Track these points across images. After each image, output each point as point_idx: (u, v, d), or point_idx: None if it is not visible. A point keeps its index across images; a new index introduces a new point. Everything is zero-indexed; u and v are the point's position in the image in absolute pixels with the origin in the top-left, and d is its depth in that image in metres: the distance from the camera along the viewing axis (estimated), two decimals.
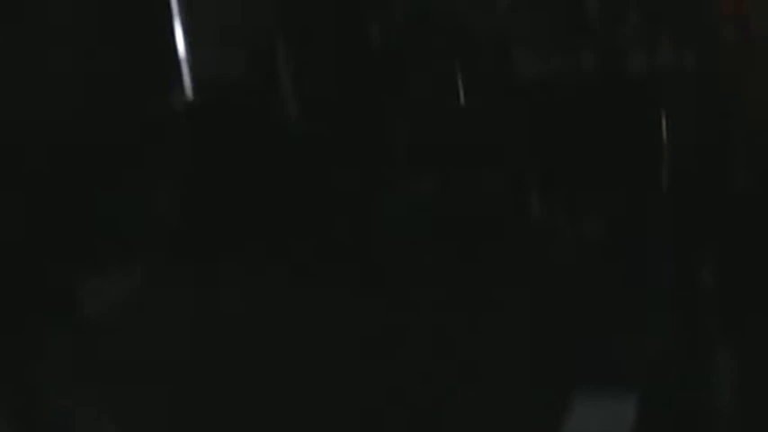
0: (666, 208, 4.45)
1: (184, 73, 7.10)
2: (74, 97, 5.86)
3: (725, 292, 3.88)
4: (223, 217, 5.52)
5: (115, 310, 4.70)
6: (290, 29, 5.02)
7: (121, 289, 4.94)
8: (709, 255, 4.12)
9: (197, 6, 7.11)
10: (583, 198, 4.65)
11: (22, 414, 3.72)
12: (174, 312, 4.69)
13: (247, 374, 4.02)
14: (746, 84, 4.44)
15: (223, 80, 6.18)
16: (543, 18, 4.65)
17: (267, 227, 5.44)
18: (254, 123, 5.71)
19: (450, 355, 3.91)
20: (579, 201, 4.65)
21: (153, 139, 5.84)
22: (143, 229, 5.44)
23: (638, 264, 4.28)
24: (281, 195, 5.50)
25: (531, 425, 3.46)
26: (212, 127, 5.75)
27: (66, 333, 4.35)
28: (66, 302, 4.54)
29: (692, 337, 3.67)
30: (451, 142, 5.30)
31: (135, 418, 3.74)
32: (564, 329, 3.92)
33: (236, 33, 6.43)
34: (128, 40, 6.42)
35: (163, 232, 5.46)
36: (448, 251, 4.83)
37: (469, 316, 4.18)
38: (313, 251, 5.20)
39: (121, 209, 5.44)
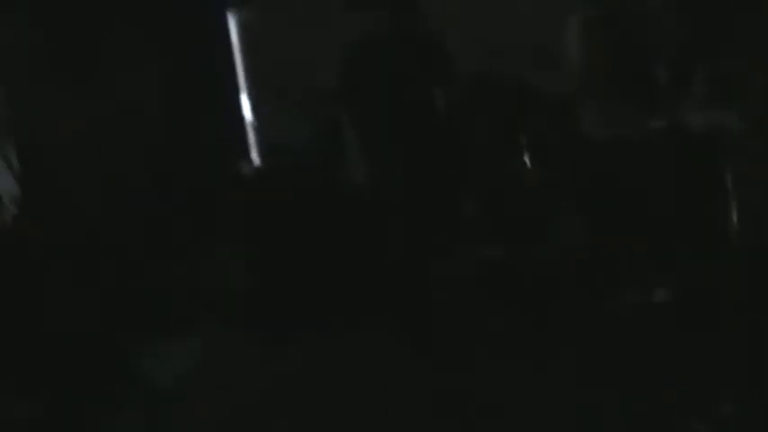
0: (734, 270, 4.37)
1: (251, 139, 7.22)
2: (145, 167, 5.99)
3: None
4: (288, 283, 5.55)
5: (181, 380, 4.74)
6: (355, 96, 5.06)
7: (189, 358, 4.99)
8: None
9: (263, 74, 7.25)
10: (651, 262, 4.59)
11: None
12: (238, 380, 4.71)
13: None
14: None
15: (289, 146, 6.27)
16: (609, 78, 4.63)
17: (332, 292, 5.46)
18: (319, 189, 5.75)
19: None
20: (648, 265, 4.59)
21: (221, 206, 5.93)
22: (209, 298, 5.50)
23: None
24: (345, 260, 5.52)
25: None
26: (279, 192, 5.81)
27: (133, 405, 4.39)
28: (134, 373, 4.59)
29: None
30: (517, 212, 5.30)
31: None
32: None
33: (302, 100, 6.54)
34: (195, 109, 6.57)
35: (229, 300, 5.51)
36: (512, 317, 4.80)
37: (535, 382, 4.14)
38: (375, 316, 5.21)
39: (187, 278, 5.51)
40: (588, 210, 4.93)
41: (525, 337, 4.59)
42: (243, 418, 4.28)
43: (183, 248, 5.70)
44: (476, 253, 5.21)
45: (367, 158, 5.05)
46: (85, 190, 5.61)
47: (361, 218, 5.44)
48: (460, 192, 5.21)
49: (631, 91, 4.54)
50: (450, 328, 4.83)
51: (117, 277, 4.98)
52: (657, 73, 4.52)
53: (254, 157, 6.98)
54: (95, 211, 5.41)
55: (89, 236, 5.09)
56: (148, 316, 5.08)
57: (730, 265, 4.47)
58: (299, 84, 6.61)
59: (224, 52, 7.17)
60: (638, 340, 4.28)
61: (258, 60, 7.32)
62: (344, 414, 4.17)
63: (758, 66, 4.23)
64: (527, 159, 5.36)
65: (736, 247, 4.52)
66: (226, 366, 4.91)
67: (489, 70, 5.54)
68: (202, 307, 5.44)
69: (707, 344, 4.11)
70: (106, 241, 5.15)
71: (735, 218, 4.51)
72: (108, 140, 5.82)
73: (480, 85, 5.65)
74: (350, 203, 5.52)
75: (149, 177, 6.13)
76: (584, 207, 4.98)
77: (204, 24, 7.01)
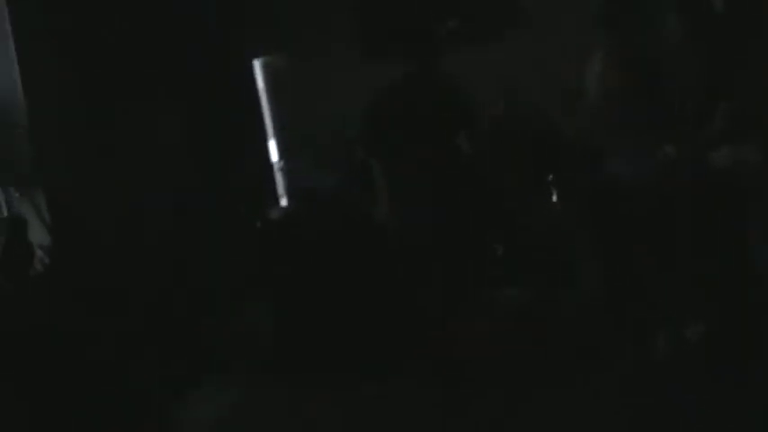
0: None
1: (279, 184, 7.30)
2: (175, 213, 6.04)
3: None
4: (318, 328, 5.55)
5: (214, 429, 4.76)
6: (381, 140, 5.11)
7: (222, 406, 5.01)
8: None
9: (290, 120, 7.34)
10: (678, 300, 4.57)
11: None
12: (270, 429, 4.72)
13: None
14: None
15: (316, 190, 6.32)
16: (630, 119, 4.64)
17: (361, 337, 5.46)
18: (347, 233, 5.78)
19: None
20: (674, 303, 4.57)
21: (250, 251, 5.97)
22: (240, 346, 5.52)
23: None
24: (374, 304, 5.52)
25: None
26: (307, 236, 5.84)
27: None
28: (167, 420, 4.61)
29: None
30: (544, 254, 5.30)
31: None
32: None
33: (329, 145, 6.60)
34: (223, 155, 6.64)
35: (260, 347, 5.52)
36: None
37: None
38: (406, 362, 5.21)
39: (219, 325, 5.53)
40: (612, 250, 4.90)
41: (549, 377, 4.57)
42: None
43: (215, 295, 5.74)
44: (503, 295, 5.21)
45: (395, 201, 5.09)
46: (116, 237, 5.66)
47: (389, 261, 5.45)
48: (487, 234, 5.23)
49: (653, 127, 4.54)
50: (479, 374, 4.81)
51: (149, 326, 5.01)
52: (679, 108, 4.52)
53: (283, 201, 7.05)
54: (126, 259, 5.46)
55: (121, 284, 5.13)
56: (182, 365, 5.10)
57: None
58: (325, 128, 6.69)
59: (251, 99, 7.28)
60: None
61: (285, 107, 7.43)
62: None
63: None
64: (554, 199, 5.39)
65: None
66: (258, 415, 4.92)
67: (514, 112, 5.58)
68: (235, 355, 5.47)
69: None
70: (138, 289, 5.18)
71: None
72: (137, 186, 5.88)
73: (505, 127, 5.71)
74: (378, 247, 5.54)
75: (179, 223, 6.19)
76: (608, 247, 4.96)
77: (233, 71, 7.13)
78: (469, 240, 5.06)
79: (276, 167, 7.26)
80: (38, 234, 5.24)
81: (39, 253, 5.07)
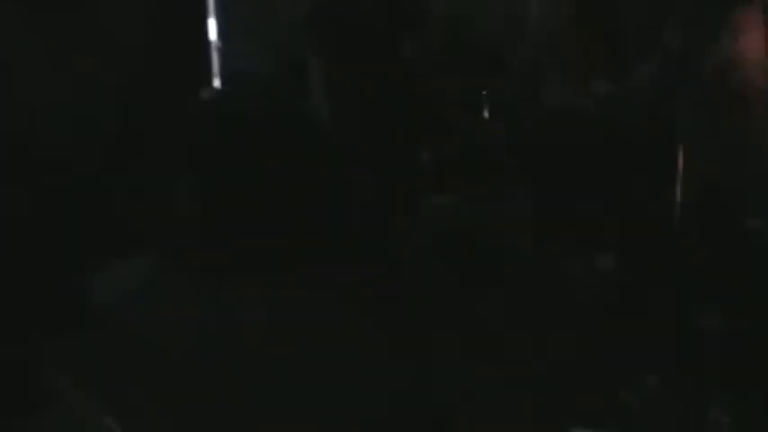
0: (675, 245, 4.46)
1: (215, 65, 7.16)
2: (106, 86, 5.92)
3: (727, 340, 3.91)
4: (240, 211, 5.56)
5: (125, 301, 4.77)
6: (326, 34, 5.05)
7: (134, 279, 5.01)
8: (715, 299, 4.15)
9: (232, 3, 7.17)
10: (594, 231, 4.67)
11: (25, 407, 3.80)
12: (183, 306, 4.75)
13: (253, 374, 4.08)
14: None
15: (253, 75, 6.24)
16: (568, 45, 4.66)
17: (283, 224, 5.49)
18: (279, 119, 5.74)
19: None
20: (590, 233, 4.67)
21: (178, 128, 5.91)
22: (160, 219, 5.50)
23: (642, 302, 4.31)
24: (301, 193, 5.54)
25: None
26: (237, 119, 5.79)
27: (76, 323, 4.42)
28: (78, 292, 4.61)
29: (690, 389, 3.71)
30: (472, 161, 5.34)
31: (137, 416, 3.82)
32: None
33: (271, 31, 6.48)
34: (162, 29, 6.49)
35: (179, 223, 5.51)
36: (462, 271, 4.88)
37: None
38: (327, 252, 5.27)
39: (140, 197, 5.50)
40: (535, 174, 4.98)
41: (469, 290, 4.68)
42: (180, 348, 4.33)
43: (138, 169, 5.68)
44: (429, 201, 5.26)
45: (328, 96, 5.06)
46: (47, 103, 5.56)
47: (318, 154, 5.45)
48: (418, 140, 5.24)
49: (596, 62, 4.58)
50: (403, 278, 4.89)
51: (71, 195, 4.97)
52: (620, 44, 4.55)
53: (217, 82, 6.94)
54: (51, 125, 5.36)
55: (44, 155, 5.06)
56: (97, 237, 5.08)
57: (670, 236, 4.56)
58: (269, 14, 6.56)
59: None
60: (575, 307, 4.39)
61: None
62: (289, 348, 4.24)
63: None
64: (486, 116, 5.41)
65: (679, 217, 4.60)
66: (167, 296, 4.94)
67: (462, 29, 5.55)
68: (152, 232, 5.45)
69: (637, 314, 4.22)
70: (61, 157, 5.11)
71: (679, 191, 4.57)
72: (74, 56, 5.75)
73: (450, 41, 5.67)
74: (308, 138, 5.52)
75: (112, 92, 6.08)
76: (530, 170, 5.03)
77: None
78: (400, 144, 5.07)
79: (213, 47, 7.12)
80: None
81: None
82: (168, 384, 4.03)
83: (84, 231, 4.92)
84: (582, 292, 4.48)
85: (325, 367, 4.11)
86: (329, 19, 4.99)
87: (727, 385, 3.73)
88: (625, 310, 4.26)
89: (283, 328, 4.52)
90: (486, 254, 5.00)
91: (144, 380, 4.04)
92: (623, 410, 3.65)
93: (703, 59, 4.39)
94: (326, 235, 5.35)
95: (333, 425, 3.76)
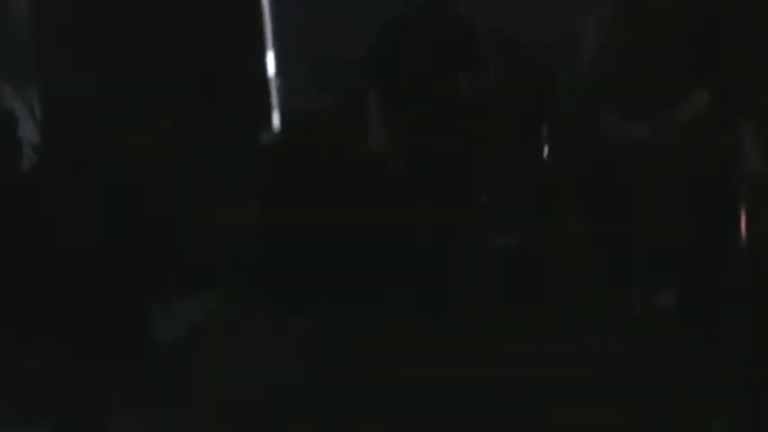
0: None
1: (274, 100, 7.24)
2: (163, 125, 6.02)
3: None
4: (301, 247, 5.62)
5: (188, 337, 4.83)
6: (384, 70, 5.08)
7: (197, 314, 5.07)
8: None
9: (293, 37, 7.25)
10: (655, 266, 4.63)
11: None
12: (246, 344, 4.79)
13: (315, 409, 4.10)
14: None
15: (313, 111, 6.31)
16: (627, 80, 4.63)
17: (344, 260, 5.54)
18: (338, 157, 5.79)
19: None
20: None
21: (239, 169, 5.98)
22: (223, 257, 5.57)
23: None
24: (361, 230, 5.58)
25: None
26: (298, 160, 5.85)
27: (140, 358, 4.48)
28: (144, 326, 4.67)
29: None
30: (528, 203, 5.36)
31: None
32: None
33: (330, 67, 6.55)
34: (221, 66, 6.59)
35: (242, 263, 5.58)
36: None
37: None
38: (386, 285, 5.31)
39: (202, 235, 5.57)
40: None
41: (526, 326, 4.68)
42: (247, 380, 4.37)
43: (203, 205, 5.76)
44: (486, 238, 5.26)
45: (389, 132, 5.08)
46: (107, 140, 5.66)
47: (378, 190, 5.49)
48: (477, 176, 5.26)
49: (647, 94, 4.54)
50: (462, 310, 4.90)
51: (135, 229, 5.04)
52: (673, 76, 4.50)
53: (276, 119, 7.01)
54: (116, 163, 5.46)
55: (108, 187, 5.14)
56: (164, 271, 5.15)
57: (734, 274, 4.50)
58: (328, 49, 6.63)
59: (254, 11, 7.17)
60: (635, 345, 4.34)
61: (289, 22, 7.31)
62: (350, 376, 4.27)
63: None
64: (545, 151, 5.41)
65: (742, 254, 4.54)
66: (234, 330, 5.00)
67: (520, 64, 5.58)
68: (218, 267, 5.53)
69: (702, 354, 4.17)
70: (127, 194, 5.20)
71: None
72: (131, 92, 5.85)
73: (508, 76, 5.69)
74: (368, 175, 5.56)
75: (174, 128, 6.17)
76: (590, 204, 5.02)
77: None
78: (459, 181, 5.08)
79: (273, 84, 7.20)
80: (29, 132, 5.22)
81: (27, 151, 5.06)
82: (230, 420, 4.06)
83: (147, 266, 5.00)
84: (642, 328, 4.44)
85: (390, 398, 4.11)
86: (389, 57, 5.03)
87: None
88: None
89: (344, 360, 4.56)
90: (547, 291, 5.00)
91: (204, 415, 4.08)
92: None
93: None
94: (387, 273, 5.39)
95: None
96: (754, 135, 4.03)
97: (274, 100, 7.04)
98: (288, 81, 6.96)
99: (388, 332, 4.81)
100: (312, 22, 7.05)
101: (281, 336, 4.96)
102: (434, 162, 4.95)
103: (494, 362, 4.36)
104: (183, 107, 6.23)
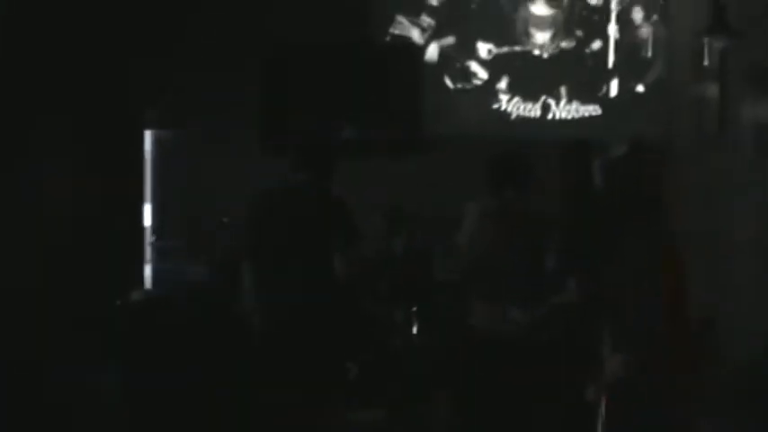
0: None
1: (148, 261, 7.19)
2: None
3: None
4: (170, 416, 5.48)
5: None
6: (257, 242, 5.07)
7: None
8: None
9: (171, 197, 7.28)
10: None
11: None
12: None
13: None
14: None
15: (185, 277, 6.27)
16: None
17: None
18: (210, 322, 5.71)
19: None
20: None
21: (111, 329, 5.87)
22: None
23: None
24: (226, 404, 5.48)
25: None
26: (169, 321, 5.75)
27: None
28: None
29: None
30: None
31: None
32: None
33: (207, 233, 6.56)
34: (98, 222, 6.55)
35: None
36: None
37: None
38: None
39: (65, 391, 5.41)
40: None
41: None
42: None
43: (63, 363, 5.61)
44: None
45: (259, 306, 5.04)
46: None
47: (245, 363, 5.42)
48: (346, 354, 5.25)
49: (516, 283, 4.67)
50: None
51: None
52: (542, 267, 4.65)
53: (148, 280, 6.95)
54: None
55: None
56: None
57: None
58: (207, 215, 6.65)
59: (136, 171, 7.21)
60: None
61: (169, 184, 7.36)
62: None
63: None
64: (414, 330, 5.46)
65: None
66: None
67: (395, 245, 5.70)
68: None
69: None
70: None
71: None
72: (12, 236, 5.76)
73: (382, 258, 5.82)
74: (239, 340, 5.48)
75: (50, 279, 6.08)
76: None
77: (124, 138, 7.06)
78: (328, 358, 5.04)
79: (149, 242, 7.16)
80: None
81: None
82: None
83: None
84: None
85: None
86: (266, 226, 5.02)
87: None
88: None
89: None
90: None
91: None
92: None
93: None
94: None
95: None
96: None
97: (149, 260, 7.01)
98: (164, 243, 6.94)
99: None
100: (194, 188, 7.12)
101: None
102: (302, 336, 4.90)
103: None
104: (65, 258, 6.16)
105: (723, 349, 6.12)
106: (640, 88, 7.81)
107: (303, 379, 4.87)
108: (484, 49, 7.78)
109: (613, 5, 7.81)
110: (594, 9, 7.83)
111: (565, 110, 7.80)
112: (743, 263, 6.14)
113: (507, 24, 7.80)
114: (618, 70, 7.82)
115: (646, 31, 7.80)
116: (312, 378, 4.88)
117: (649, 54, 7.80)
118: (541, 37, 7.83)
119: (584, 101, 7.81)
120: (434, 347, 5.32)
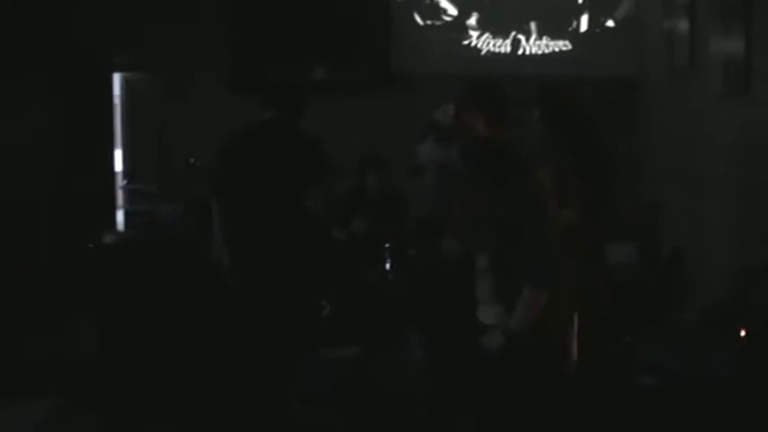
0: None
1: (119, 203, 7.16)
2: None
3: None
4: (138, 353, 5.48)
5: None
6: (227, 182, 5.03)
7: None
8: None
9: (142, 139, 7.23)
10: None
11: None
12: None
13: None
14: None
15: (155, 217, 6.25)
16: None
17: (181, 368, 5.42)
18: (178, 264, 5.69)
19: None
20: None
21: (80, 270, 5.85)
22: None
23: None
24: (199, 339, 5.49)
25: None
26: (138, 263, 5.72)
27: None
28: None
29: None
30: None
31: None
32: None
33: (178, 174, 6.51)
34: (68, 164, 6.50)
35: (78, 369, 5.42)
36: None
37: None
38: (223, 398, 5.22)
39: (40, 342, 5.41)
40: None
41: None
42: None
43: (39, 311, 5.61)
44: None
45: (229, 246, 5.01)
46: None
47: (217, 305, 5.41)
48: (317, 294, 5.24)
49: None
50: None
51: None
52: None
53: (120, 221, 6.91)
54: None
55: None
56: None
57: None
58: (177, 156, 6.60)
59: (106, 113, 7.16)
60: None
61: (139, 127, 7.31)
62: None
63: None
64: (388, 268, 5.46)
65: None
66: None
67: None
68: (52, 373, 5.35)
69: None
70: None
71: None
72: None
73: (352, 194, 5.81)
74: (208, 290, 5.48)
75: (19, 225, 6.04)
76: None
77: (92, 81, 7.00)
78: (300, 297, 5.03)
79: (120, 186, 7.12)
80: None
81: None
82: None
83: None
84: None
85: None
86: (235, 165, 4.97)
87: None
88: None
89: None
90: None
91: None
92: None
93: None
94: (222, 385, 5.31)
95: None
96: None
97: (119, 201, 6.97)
98: (135, 186, 6.89)
99: None
100: (164, 130, 7.07)
101: None
102: (275, 275, 4.89)
103: None
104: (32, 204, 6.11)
105: (691, 282, 6.22)
106: (610, 23, 7.81)
107: (276, 316, 4.89)
108: None
109: None
110: None
111: (535, 45, 7.79)
112: (713, 196, 6.19)
113: None
114: (588, 5, 7.80)
115: None
116: (285, 316, 4.90)
117: None
118: None
119: (555, 36, 7.79)
120: (407, 284, 5.34)
